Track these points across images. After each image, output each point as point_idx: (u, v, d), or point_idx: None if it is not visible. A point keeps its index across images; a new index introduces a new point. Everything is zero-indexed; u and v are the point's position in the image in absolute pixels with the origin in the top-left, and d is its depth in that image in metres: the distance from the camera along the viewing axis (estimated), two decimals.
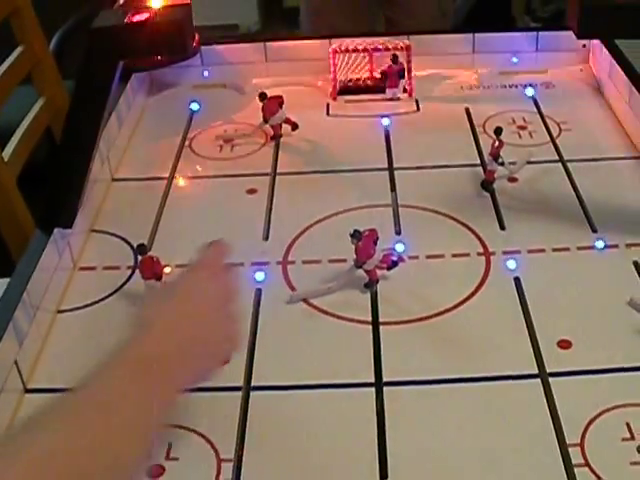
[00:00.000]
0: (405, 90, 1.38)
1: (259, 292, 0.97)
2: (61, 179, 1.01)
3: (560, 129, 1.27)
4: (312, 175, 1.20)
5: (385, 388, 0.84)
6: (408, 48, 1.36)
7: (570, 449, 0.76)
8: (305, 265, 1.02)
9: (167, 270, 0.98)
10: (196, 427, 0.80)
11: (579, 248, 1.02)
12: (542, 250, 1.02)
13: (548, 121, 1.29)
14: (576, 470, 0.74)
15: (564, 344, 0.88)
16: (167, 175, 1.21)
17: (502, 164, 1.12)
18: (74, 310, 0.97)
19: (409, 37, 1.39)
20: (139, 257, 0.98)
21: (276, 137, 1.27)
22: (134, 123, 1.35)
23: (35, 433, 0.55)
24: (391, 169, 1.19)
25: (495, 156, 1.11)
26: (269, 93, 1.27)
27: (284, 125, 1.27)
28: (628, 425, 0.78)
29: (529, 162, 1.17)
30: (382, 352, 0.88)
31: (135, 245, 1.02)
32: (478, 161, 1.19)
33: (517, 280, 0.97)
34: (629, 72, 1.26)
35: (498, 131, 1.11)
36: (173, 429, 0.79)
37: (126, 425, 0.59)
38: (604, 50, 1.35)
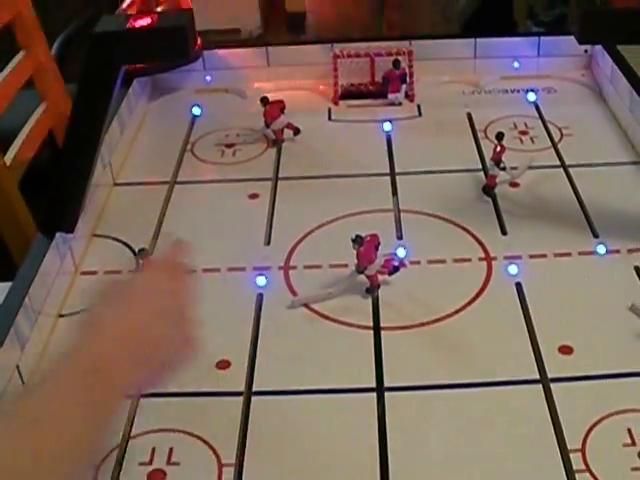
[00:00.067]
0: (407, 95, 1.38)
1: (260, 297, 0.97)
2: (63, 183, 1.01)
3: (562, 134, 1.27)
4: (314, 180, 1.20)
5: (386, 393, 0.84)
6: (410, 53, 1.36)
7: (571, 454, 0.76)
8: (306, 270, 1.02)
9: None
10: (197, 432, 0.80)
11: (580, 253, 1.02)
12: (543, 255, 1.02)
13: (550, 126, 1.29)
14: (577, 476, 0.74)
15: (565, 350, 0.88)
16: (169, 180, 1.21)
17: (504, 169, 1.12)
18: (75, 314, 0.97)
19: (411, 42, 1.39)
20: (140, 261, 0.98)
21: (278, 142, 1.28)
22: (136, 128, 1.35)
23: None
24: (393, 174, 1.19)
25: (497, 161, 1.11)
26: (271, 98, 1.27)
27: (286, 130, 1.28)
28: (629, 431, 0.78)
29: (531, 167, 1.17)
30: (383, 357, 0.88)
31: (137, 249, 1.02)
32: (480, 166, 1.19)
33: (518, 285, 0.97)
34: (631, 77, 1.26)
35: (500, 136, 1.11)
36: (172, 433, 0.79)
37: (67, 430, 0.57)
38: (606, 55, 1.35)
